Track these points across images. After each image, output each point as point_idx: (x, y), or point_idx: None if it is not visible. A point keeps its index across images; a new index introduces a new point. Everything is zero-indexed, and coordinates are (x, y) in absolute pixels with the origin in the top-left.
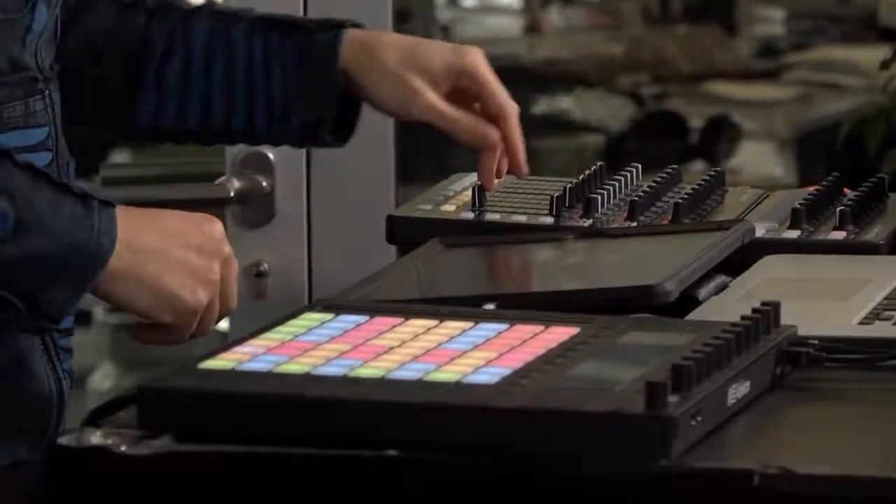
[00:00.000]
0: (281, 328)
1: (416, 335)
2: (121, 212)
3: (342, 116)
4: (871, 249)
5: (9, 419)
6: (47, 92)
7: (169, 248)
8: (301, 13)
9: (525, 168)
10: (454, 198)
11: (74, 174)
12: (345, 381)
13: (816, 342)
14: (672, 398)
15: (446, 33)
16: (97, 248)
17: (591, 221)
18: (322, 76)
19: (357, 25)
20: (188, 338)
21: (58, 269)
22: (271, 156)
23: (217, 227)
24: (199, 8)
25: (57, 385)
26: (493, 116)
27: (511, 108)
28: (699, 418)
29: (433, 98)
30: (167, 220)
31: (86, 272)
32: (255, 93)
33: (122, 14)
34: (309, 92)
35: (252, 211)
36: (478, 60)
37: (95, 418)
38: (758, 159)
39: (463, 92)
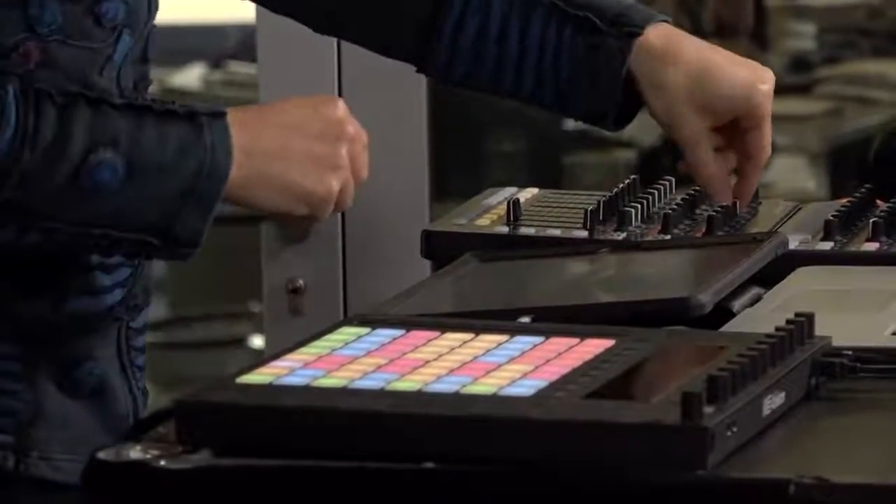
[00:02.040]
0: (318, 343)
1: (452, 348)
2: (233, 118)
3: (626, 103)
4: None
5: (92, 440)
6: None
7: (289, 144)
8: None
9: (741, 199)
10: (489, 212)
11: None
12: (382, 394)
13: (850, 352)
14: (708, 409)
15: None
16: (214, 166)
17: (624, 234)
18: (605, 79)
19: (663, 20)
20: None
21: (179, 199)
22: None
23: (337, 107)
24: None
25: (133, 404)
26: (746, 154)
27: (765, 156)
28: (735, 429)
29: (696, 139)
30: (282, 114)
31: (209, 193)
32: (544, 75)
33: None
34: (592, 87)
35: (287, 228)
36: (765, 101)
37: (134, 433)
38: (790, 173)
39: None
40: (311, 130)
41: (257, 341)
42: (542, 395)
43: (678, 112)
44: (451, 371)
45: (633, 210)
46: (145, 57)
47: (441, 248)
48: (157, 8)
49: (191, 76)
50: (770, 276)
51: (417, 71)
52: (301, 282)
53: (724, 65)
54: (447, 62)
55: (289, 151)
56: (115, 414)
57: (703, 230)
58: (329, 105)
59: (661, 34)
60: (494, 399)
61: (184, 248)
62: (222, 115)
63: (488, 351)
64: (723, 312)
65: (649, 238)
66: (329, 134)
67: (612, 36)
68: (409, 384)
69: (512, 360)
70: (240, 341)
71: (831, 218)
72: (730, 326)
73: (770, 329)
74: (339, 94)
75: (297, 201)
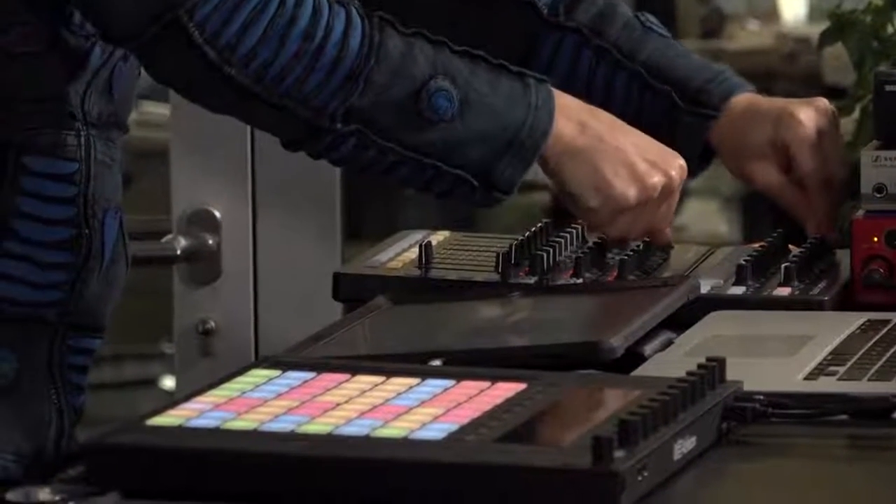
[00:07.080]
0: (228, 385)
1: (363, 391)
2: (587, 107)
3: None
4: (815, 306)
5: (4, 437)
6: (85, 135)
7: (624, 146)
8: None
9: (825, 230)
10: (401, 255)
11: (120, 226)
12: (292, 436)
13: (762, 397)
14: (619, 453)
15: None
16: (537, 122)
17: (536, 278)
18: (681, 151)
19: (732, 93)
20: (605, 231)
21: (503, 144)
22: (217, 214)
23: (678, 157)
24: (597, 35)
25: (58, 415)
26: (801, 184)
27: (817, 178)
28: (645, 473)
29: (769, 183)
30: (633, 131)
31: (529, 146)
32: None
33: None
34: None
35: (199, 269)
36: (798, 131)
37: (44, 475)
38: (703, 217)
39: None
40: (646, 151)
41: (169, 382)
42: (452, 439)
43: (747, 168)
44: (362, 414)
45: (545, 254)
46: (111, 91)
47: (352, 291)
48: None
49: None
50: (682, 320)
51: None
52: (212, 323)
53: (762, 106)
54: None
55: (618, 150)
56: (33, 416)
57: (615, 274)
58: (674, 155)
59: (735, 101)
60: (405, 442)
61: (497, 193)
62: (546, 81)
63: (399, 394)
64: (634, 357)
65: (561, 282)
66: (658, 164)
67: (690, 115)
68: (319, 427)
69: (423, 403)
70: (151, 382)
71: (743, 262)
72: (641, 371)
73: (681, 373)
74: (252, 132)
75: (596, 191)
